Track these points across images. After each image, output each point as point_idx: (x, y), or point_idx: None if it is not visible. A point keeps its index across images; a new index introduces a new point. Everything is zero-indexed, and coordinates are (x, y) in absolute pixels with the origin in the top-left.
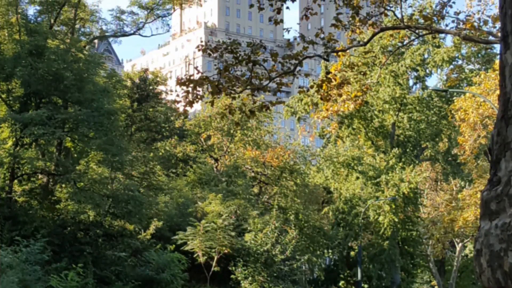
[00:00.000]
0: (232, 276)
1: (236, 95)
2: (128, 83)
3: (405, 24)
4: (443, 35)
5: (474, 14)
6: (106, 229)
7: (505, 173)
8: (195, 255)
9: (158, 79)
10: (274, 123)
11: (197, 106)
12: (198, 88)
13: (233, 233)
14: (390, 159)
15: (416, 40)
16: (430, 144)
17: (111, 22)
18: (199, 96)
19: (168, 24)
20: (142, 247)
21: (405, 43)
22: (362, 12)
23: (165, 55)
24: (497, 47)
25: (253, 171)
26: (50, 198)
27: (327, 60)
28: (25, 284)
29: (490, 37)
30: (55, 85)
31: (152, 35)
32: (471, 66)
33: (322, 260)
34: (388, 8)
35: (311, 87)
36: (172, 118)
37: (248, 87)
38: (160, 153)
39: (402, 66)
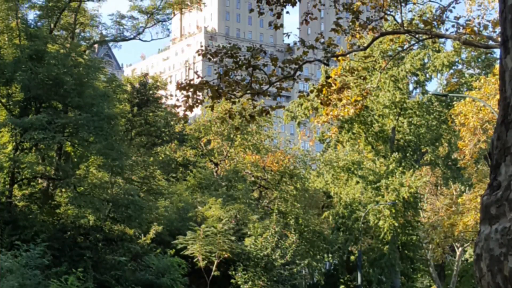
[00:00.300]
0: (232, 280)
1: (236, 100)
2: (128, 88)
3: (405, 28)
4: (443, 39)
5: (474, 18)
6: (106, 234)
7: (505, 178)
8: (195, 260)
9: (158, 83)
10: (274, 127)
11: (197, 110)
12: (198, 93)
13: (233, 238)
14: (390, 163)
15: (416, 44)
16: (430, 149)
17: (111, 27)
18: (199, 101)
19: (168, 29)
20: (142, 251)
21: (405, 47)
22: (362, 17)
23: (165, 59)
24: (497, 52)
25: (253, 176)
26: (50, 203)
27: (327, 65)
28: None
29: (490, 42)
30: (55, 89)
31: (152, 39)
32: (471, 71)
33: (322, 265)
34: (388, 12)
35: (311, 91)
36: (172, 122)
37: (248, 91)
38: (160, 158)
39: (402, 70)
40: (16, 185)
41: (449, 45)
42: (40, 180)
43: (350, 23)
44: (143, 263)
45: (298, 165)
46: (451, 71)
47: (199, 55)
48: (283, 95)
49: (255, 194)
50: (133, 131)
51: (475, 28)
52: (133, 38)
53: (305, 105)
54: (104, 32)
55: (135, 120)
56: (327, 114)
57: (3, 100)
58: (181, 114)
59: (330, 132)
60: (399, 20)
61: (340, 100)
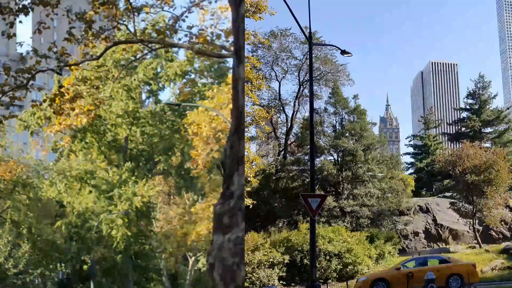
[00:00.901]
0: None
1: None
2: None
3: (138, 38)
4: (176, 49)
5: (207, 28)
6: None
7: (238, 187)
8: None
9: None
10: (7, 136)
11: None
12: None
13: None
14: (123, 173)
15: (149, 54)
16: (163, 158)
17: None
18: None
19: None
20: None
21: (138, 57)
22: (95, 26)
23: None
24: (230, 61)
25: None
26: None
27: (60, 74)
28: None
29: (223, 51)
30: None
31: None
32: (204, 80)
33: (55, 274)
34: (121, 22)
35: (44, 101)
36: None
37: None
38: None
39: (135, 80)
40: None
41: (182, 55)
42: None
43: (83, 33)
44: None
45: (31, 175)
46: (184, 80)
47: None
48: (16, 104)
49: None
50: None
51: (208, 38)
52: None
53: (38, 114)
54: None
55: None
56: (60, 124)
57: None
58: None
59: (63, 142)
60: (132, 30)
61: (73, 109)
